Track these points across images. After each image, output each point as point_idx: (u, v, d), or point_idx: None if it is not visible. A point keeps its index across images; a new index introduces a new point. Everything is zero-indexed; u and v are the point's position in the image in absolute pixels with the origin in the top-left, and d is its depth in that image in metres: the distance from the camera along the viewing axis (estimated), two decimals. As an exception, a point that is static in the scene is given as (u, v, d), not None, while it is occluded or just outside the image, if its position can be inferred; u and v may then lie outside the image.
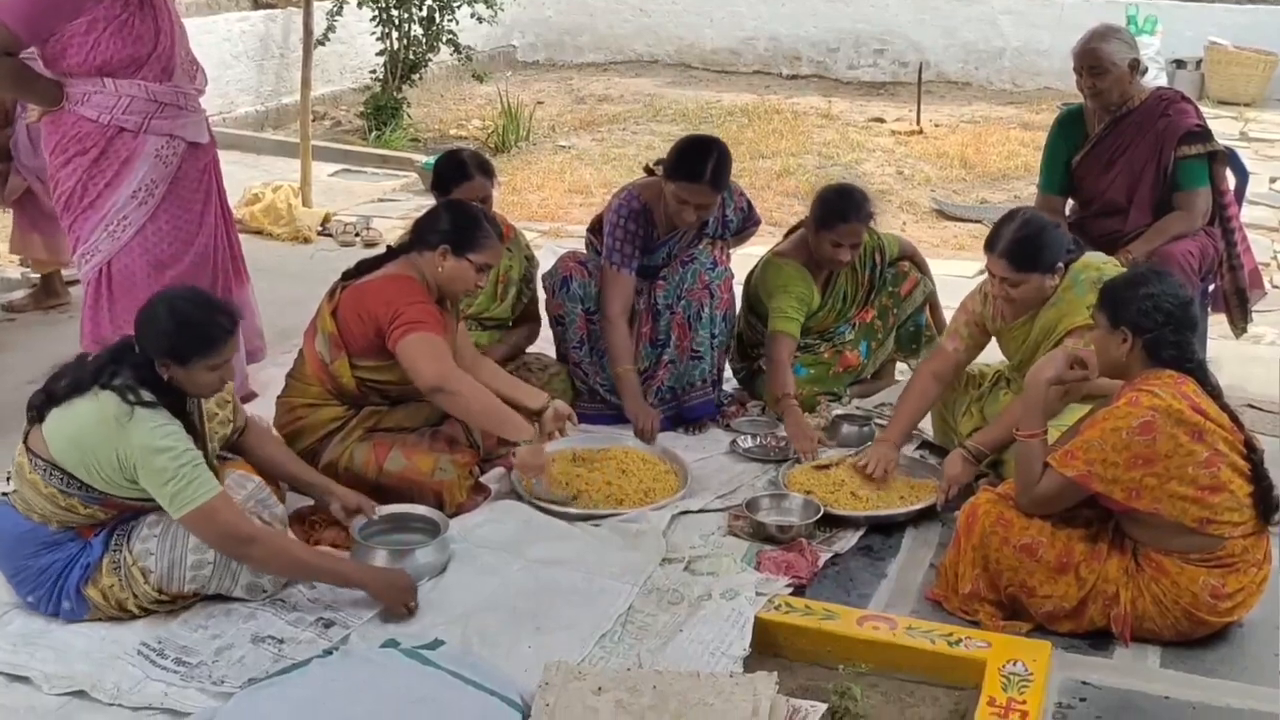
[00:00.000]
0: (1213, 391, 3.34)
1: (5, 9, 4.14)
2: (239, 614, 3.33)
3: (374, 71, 10.17)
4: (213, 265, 4.59)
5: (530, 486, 4.00)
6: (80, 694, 3.05)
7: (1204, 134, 4.83)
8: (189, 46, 4.52)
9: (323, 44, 9.37)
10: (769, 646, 3.29)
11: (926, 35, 12.56)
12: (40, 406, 3.27)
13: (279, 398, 4.08)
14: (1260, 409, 4.79)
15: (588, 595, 3.46)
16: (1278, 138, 10.13)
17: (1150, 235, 4.78)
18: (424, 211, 4.14)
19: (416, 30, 10.03)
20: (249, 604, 3.36)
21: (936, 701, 3.13)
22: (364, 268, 4.03)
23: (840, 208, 4.65)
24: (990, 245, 3.96)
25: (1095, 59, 4.81)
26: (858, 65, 12.81)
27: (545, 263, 5.04)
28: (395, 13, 9.91)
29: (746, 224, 4.93)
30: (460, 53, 10.17)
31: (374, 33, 9.96)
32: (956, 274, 6.32)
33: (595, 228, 4.83)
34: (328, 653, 3.13)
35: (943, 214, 8.09)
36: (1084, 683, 3.20)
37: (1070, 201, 5.15)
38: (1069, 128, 5.09)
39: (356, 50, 10.72)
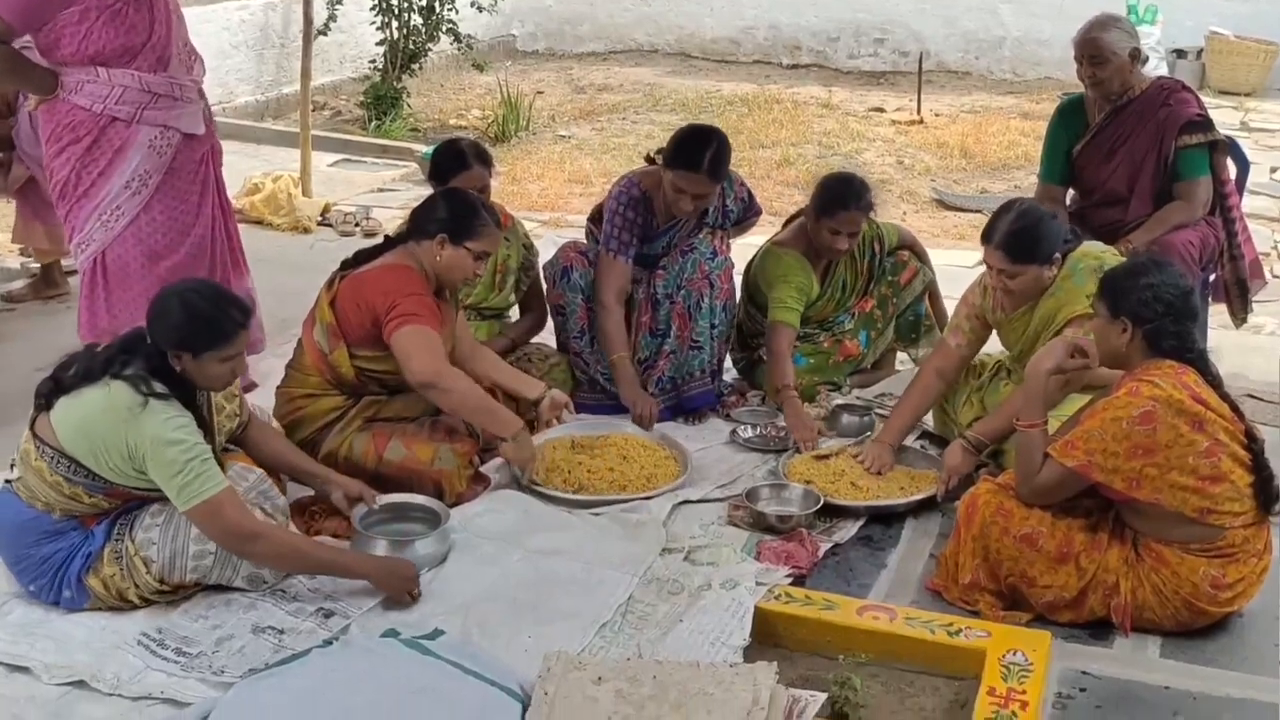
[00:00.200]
0: (1213, 381, 3.34)
1: None
2: (239, 604, 3.33)
3: (374, 61, 10.14)
4: (211, 257, 4.57)
5: (535, 473, 4.00)
6: (80, 684, 3.05)
7: (1205, 123, 4.83)
8: (187, 36, 4.50)
9: (323, 34, 9.35)
10: (769, 636, 3.29)
11: (927, 24, 12.52)
12: (49, 394, 3.27)
13: (278, 388, 4.08)
14: (1260, 399, 4.78)
15: (587, 585, 3.46)
16: (1278, 128, 10.10)
17: (1151, 225, 4.77)
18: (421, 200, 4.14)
19: (416, 20, 10.01)
20: (249, 594, 3.36)
21: (936, 691, 3.13)
22: (362, 257, 4.03)
23: (841, 195, 4.64)
24: (986, 237, 3.96)
25: (1096, 48, 4.80)
26: (858, 55, 12.77)
27: (545, 253, 5.03)
28: (395, 2, 9.88)
29: (747, 214, 4.92)
30: (460, 42, 10.15)
31: (374, 22, 9.94)
32: (956, 264, 6.32)
33: (596, 217, 4.82)
34: (328, 643, 3.13)
35: (943, 204, 8.08)
36: (1084, 673, 3.20)
37: (1071, 191, 5.14)
38: (1070, 117, 5.08)
39: (356, 40, 10.69)
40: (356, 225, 7.15)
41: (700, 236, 4.65)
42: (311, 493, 3.81)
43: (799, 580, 3.56)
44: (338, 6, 9.61)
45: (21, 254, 6.29)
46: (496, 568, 3.56)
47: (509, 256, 4.79)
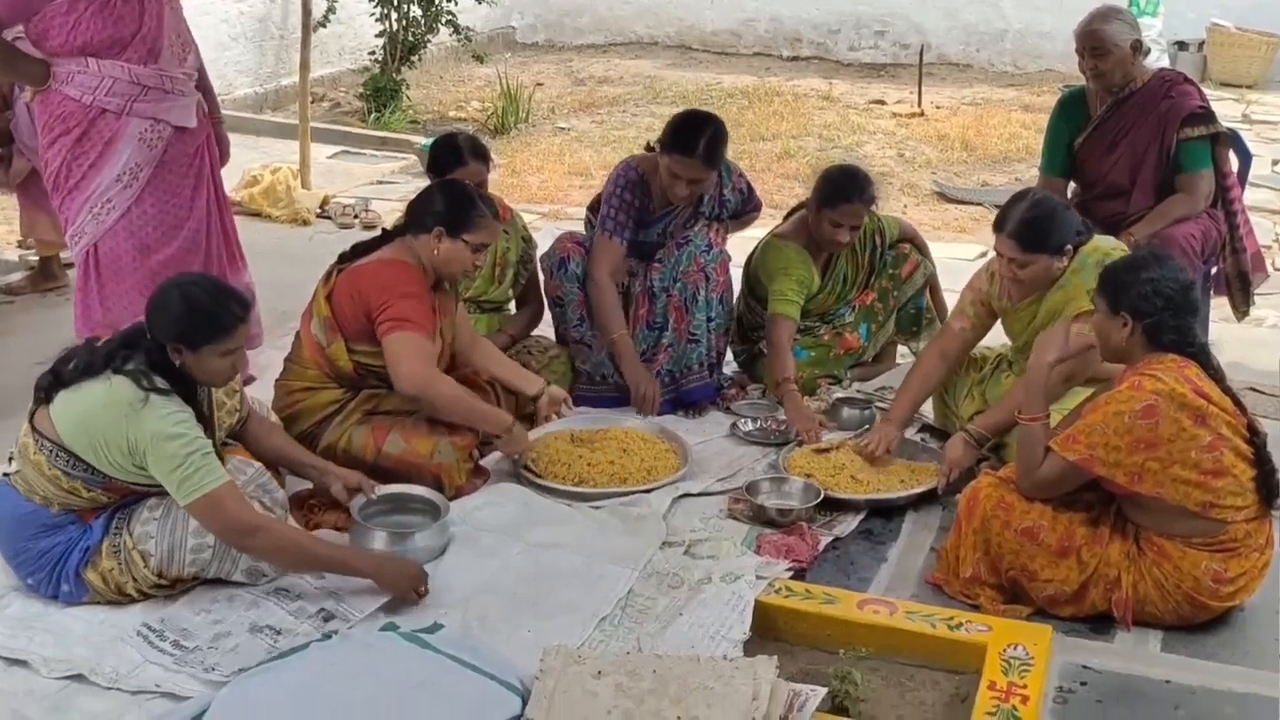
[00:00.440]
0: (1215, 375, 3.33)
1: None
2: (242, 601, 3.31)
3: (373, 53, 10.12)
4: (205, 251, 4.56)
5: (533, 462, 4.00)
6: (79, 677, 3.04)
7: (1207, 116, 4.82)
8: (182, 29, 4.48)
9: (323, 25, 9.34)
10: (769, 630, 3.29)
11: (928, 17, 12.51)
12: (48, 388, 3.26)
13: (277, 381, 4.07)
14: (1262, 392, 4.78)
15: (587, 579, 3.46)
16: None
17: (1152, 218, 4.76)
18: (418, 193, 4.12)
19: (416, 11, 9.98)
20: (252, 591, 3.35)
21: (937, 685, 3.13)
22: (359, 251, 4.01)
23: (843, 187, 4.63)
24: (999, 225, 3.94)
25: (1097, 40, 4.79)
26: (859, 47, 12.76)
27: (545, 245, 5.01)
28: (394, -7, 9.88)
29: (746, 207, 4.91)
30: (460, 34, 10.13)
31: (373, 14, 9.92)
32: (957, 257, 6.30)
33: (594, 207, 4.81)
34: (326, 637, 3.12)
35: (944, 196, 8.06)
36: (1085, 667, 3.20)
37: (1072, 184, 5.13)
38: (1071, 110, 5.07)
39: (355, 32, 10.67)
40: (355, 217, 7.15)
41: (696, 229, 4.63)
42: (310, 486, 3.80)
43: (799, 574, 3.55)
44: (336, -2, 9.61)
45: (20, 246, 6.28)
46: (496, 561, 3.55)
47: (508, 249, 4.78)
